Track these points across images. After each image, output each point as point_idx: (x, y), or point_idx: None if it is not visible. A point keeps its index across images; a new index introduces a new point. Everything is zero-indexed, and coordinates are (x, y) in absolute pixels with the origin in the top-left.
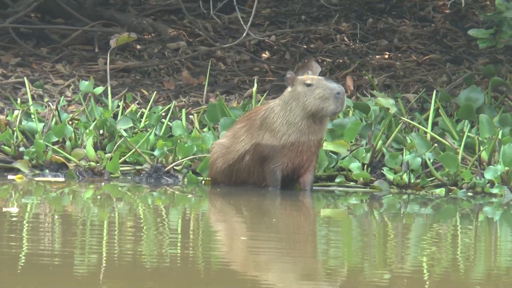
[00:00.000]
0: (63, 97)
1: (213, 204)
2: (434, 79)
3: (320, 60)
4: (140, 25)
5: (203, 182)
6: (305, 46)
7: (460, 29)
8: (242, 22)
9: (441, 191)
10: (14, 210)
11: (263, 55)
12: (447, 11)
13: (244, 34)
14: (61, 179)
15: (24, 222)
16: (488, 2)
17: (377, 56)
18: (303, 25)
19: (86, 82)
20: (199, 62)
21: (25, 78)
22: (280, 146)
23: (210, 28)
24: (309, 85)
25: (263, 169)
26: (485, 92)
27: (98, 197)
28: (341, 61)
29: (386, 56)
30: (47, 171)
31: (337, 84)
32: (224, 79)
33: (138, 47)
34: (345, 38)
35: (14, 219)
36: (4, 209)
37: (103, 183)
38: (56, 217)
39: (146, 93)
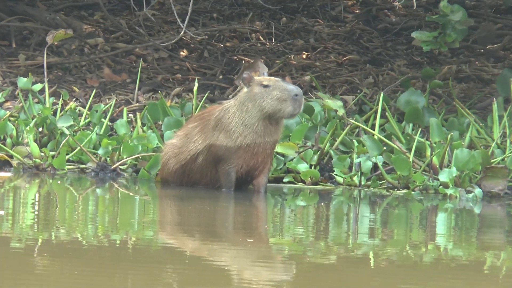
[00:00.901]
0: (6, 94)
1: (164, 204)
2: (359, 81)
3: (237, 59)
4: (54, 20)
5: (154, 180)
6: (221, 45)
7: (374, 30)
8: (179, 21)
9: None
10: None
11: (181, 53)
12: (358, 11)
13: (182, 33)
14: (8, 174)
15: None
16: (397, 3)
17: (293, 56)
18: (215, 23)
19: (24, 79)
20: (119, 59)
21: None
22: (235, 148)
23: (125, 25)
24: (266, 86)
25: (217, 171)
26: (424, 95)
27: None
28: (262, 61)
29: (305, 56)
30: None
31: (294, 86)
32: (147, 77)
33: (56, 43)
34: (261, 37)
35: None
36: None
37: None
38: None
39: (77, 90)
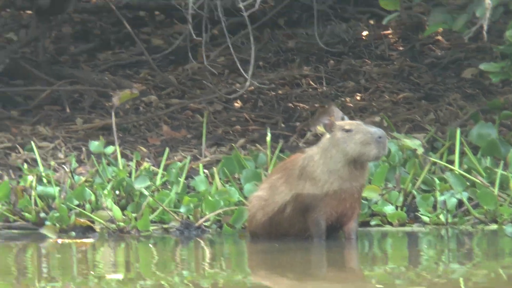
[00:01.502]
0: (74, 159)
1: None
2: (420, 118)
3: (293, 106)
4: (102, 81)
5: (239, 235)
6: (274, 93)
7: (422, 65)
8: (242, 71)
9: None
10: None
11: (236, 104)
12: (401, 48)
13: (248, 83)
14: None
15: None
16: (440, 37)
17: (348, 98)
18: (262, 71)
19: (96, 143)
20: (175, 115)
21: (32, 142)
22: (322, 195)
23: (174, 80)
24: (348, 130)
25: (305, 220)
26: (494, 126)
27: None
28: (317, 105)
29: (359, 98)
30: (73, 233)
31: (377, 128)
32: (207, 131)
33: (107, 104)
34: (311, 81)
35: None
36: (108, 277)
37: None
38: None
39: (144, 150)
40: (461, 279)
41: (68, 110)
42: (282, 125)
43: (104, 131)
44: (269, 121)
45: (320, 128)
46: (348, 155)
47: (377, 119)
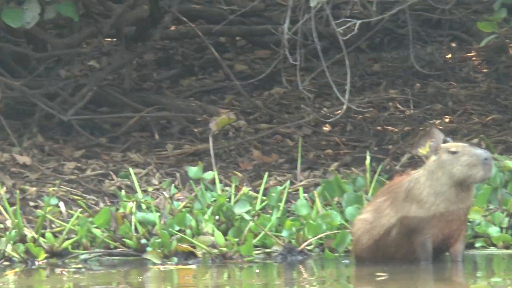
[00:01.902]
0: (172, 185)
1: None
2: None
3: (382, 129)
4: (189, 107)
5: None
6: (362, 116)
7: (509, 87)
8: (338, 94)
9: None
10: None
11: (324, 128)
12: (485, 70)
13: (345, 107)
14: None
15: None
16: None
17: (437, 121)
18: (350, 95)
19: (194, 168)
20: (265, 139)
21: (130, 168)
22: (429, 217)
23: (261, 105)
24: (454, 152)
25: (411, 243)
26: None
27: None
28: (407, 128)
29: (447, 120)
30: (175, 259)
31: (483, 150)
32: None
33: (196, 130)
34: (398, 105)
35: None
36: None
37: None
38: None
39: (240, 175)
40: None
41: (157, 136)
42: (375, 148)
43: (195, 157)
44: (360, 144)
45: (421, 151)
46: (455, 177)
47: (475, 140)
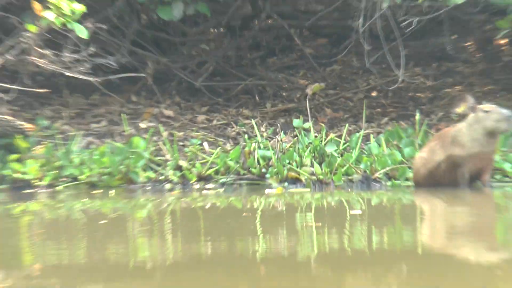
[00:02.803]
0: (282, 131)
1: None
2: None
3: (414, 95)
4: (276, 78)
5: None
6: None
7: None
8: (393, 66)
9: None
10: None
11: (372, 94)
12: (479, 55)
13: (400, 80)
14: (307, 189)
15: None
16: None
17: (449, 90)
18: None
19: (297, 120)
20: (333, 100)
21: (253, 120)
22: (467, 156)
23: (327, 77)
24: (487, 111)
25: (454, 173)
26: None
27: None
28: (430, 95)
29: (457, 89)
30: (286, 183)
31: (508, 110)
32: (357, 112)
33: (284, 93)
34: (422, 78)
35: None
36: (351, 212)
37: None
38: None
39: (323, 125)
40: None
41: (257, 98)
42: (411, 108)
43: (286, 112)
44: (400, 105)
45: (458, 110)
46: (487, 129)
47: None
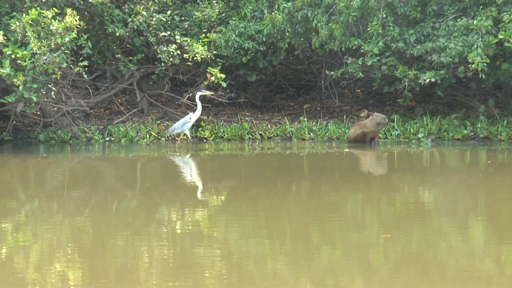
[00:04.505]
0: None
1: None
2: None
3: None
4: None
5: None
6: None
7: None
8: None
9: None
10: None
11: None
12: None
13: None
14: None
15: None
16: None
17: None
18: None
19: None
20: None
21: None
22: (368, 132)
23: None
24: (377, 115)
25: (364, 138)
26: None
27: None
28: None
29: None
30: None
31: (385, 115)
32: None
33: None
34: None
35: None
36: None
37: None
38: None
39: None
40: None
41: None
42: None
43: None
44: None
45: (362, 115)
46: (376, 121)
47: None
